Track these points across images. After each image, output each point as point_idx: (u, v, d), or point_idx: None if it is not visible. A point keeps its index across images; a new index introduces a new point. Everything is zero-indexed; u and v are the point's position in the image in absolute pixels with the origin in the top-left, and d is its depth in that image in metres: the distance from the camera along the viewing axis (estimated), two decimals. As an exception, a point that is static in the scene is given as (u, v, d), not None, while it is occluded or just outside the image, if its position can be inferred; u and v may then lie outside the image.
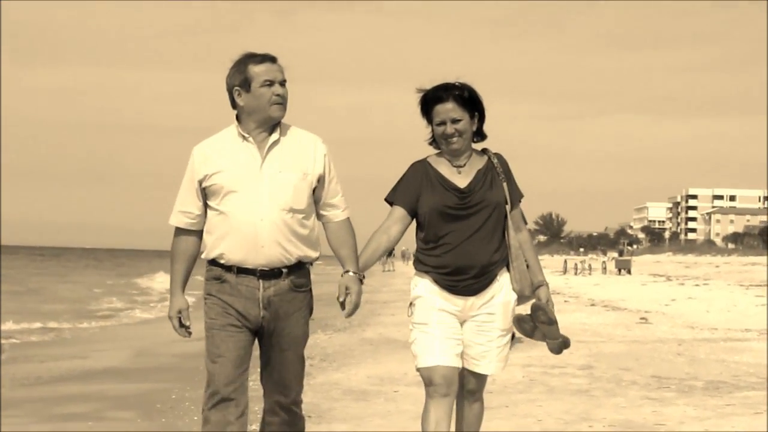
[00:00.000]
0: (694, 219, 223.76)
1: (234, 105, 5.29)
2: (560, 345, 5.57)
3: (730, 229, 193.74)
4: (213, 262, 5.31)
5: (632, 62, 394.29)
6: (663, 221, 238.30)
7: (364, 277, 5.44)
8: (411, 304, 5.55)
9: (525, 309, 5.53)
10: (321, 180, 5.33)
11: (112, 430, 8.92)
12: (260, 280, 5.25)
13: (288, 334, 5.34)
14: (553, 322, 5.51)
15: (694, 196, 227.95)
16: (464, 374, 5.54)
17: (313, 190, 5.32)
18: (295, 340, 5.37)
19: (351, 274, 5.36)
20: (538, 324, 5.52)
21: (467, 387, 5.57)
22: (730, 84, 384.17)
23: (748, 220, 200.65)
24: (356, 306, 5.35)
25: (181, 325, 5.34)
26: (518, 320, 5.53)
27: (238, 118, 5.31)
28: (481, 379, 5.58)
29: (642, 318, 21.45)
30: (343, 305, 5.32)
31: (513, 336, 5.59)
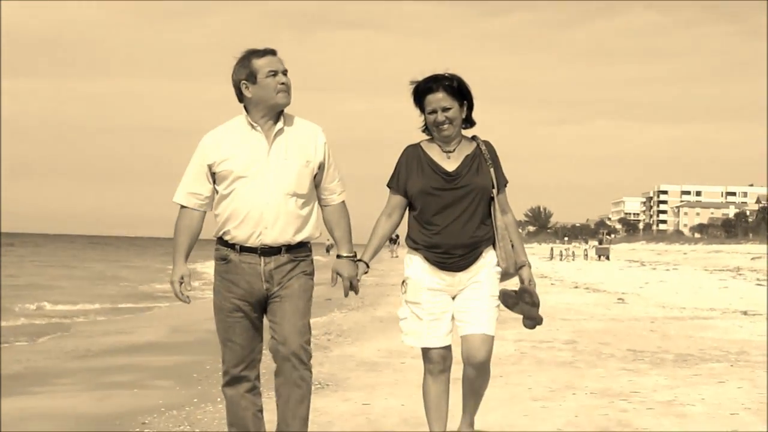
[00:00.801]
0: (664, 212, 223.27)
1: (240, 98, 5.19)
2: (534, 324, 5.49)
3: (697, 221, 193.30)
4: (220, 241, 5.22)
5: (610, 75, 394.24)
6: (638, 214, 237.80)
7: (352, 256, 5.31)
8: (403, 282, 5.45)
9: (510, 286, 5.49)
10: (321, 167, 5.24)
11: (153, 397, 8.91)
12: (261, 257, 5.14)
13: (286, 289, 5.18)
14: (536, 305, 5.43)
15: (665, 192, 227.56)
16: (469, 341, 5.31)
17: (314, 176, 5.23)
18: (293, 292, 5.19)
19: (343, 258, 5.29)
20: (521, 303, 5.43)
21: (474, 359, 5.30)
22: (695, 94, 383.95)
23: (712, 213, 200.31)
24: (349, 287, 5.29)
25: (182, 292, 5.24)
26: (504, 294, 5.43)
27: (246, 109, 5.21)
28: (488, 342, 5.31)
29: (619, 299, 21.46)
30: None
31: None
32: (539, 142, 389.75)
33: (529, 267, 5.49)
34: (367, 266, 5.38)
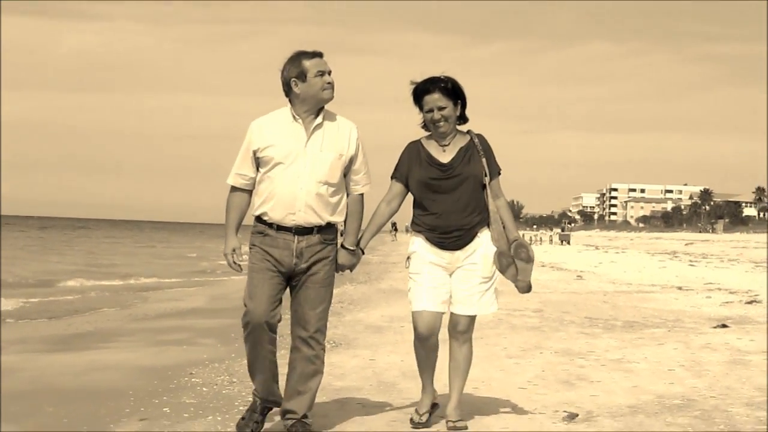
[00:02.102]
0: (615, 205, 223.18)
1: (288, 93, 4.92)
2: (527, 286, 5.17)
3: (641, 213, 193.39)
4: (258, 219, 4.94)
5: (572, 94, 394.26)
6: (593, 207, 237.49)
7: (354, 249, 5.08)
8: (408, 258, 5.19)
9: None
10: (352, 160, 4.98)
11: (199, 353, 8.91)
12: (295, 236, 4.87)
13: (312, 276, 4.94)
14: (531, 260, 5.11)
15: (615, 189, 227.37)
16: (454, 318, 5.18)
17: (345, 168, 4.97)
18: (318, 281, 4.95)
19: (345, 249, 5.06)
20: (517, 260, 5.09)
21: (458, 328, 5.18)
22: (641, 110, 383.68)
23: (653, 207, 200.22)
24: (342, 269, 5.09)
25: (233, 261, 5.00)
26: (499, 254, 5.09)
27: (291, 102, 4.94)
28: (468, 320, 5.17)
29: (578, 276, 21.41)
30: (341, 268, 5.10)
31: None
32: (514, 148, 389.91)
33: (521, 240, 5.21)
34: (362, 252, 5.16)
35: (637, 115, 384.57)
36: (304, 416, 5.02)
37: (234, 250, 5.00)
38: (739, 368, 7.21)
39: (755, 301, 13.54)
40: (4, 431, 5.55)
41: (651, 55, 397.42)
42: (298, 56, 4.89)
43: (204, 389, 6.88)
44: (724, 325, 10.23)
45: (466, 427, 5.14)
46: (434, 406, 5.32)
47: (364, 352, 8.28)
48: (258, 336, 4.90)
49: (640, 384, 6.57)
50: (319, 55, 4.90)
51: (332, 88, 4.90)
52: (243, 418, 5.15)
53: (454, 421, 5.13)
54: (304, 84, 4.85)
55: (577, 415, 5.50)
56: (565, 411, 5.61)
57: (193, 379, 7.33)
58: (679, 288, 16.98)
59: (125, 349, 9.41)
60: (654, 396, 6.11)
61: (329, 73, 4.90)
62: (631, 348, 8.39)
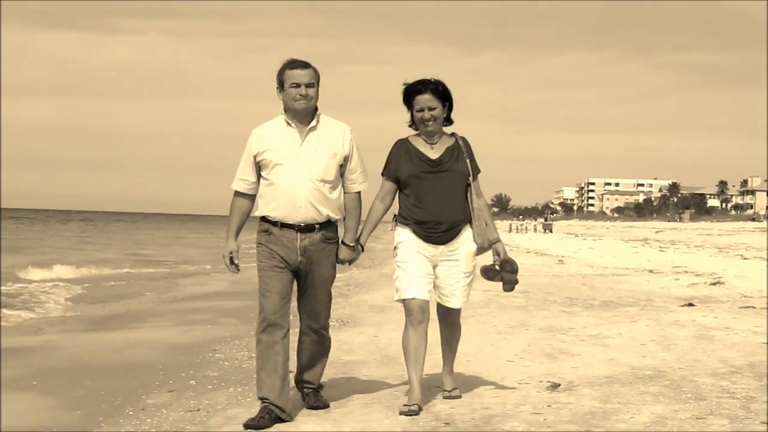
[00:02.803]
0: (592, 198, 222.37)
1: None
2: (513, 286, 4.97)
3: (615, 205, 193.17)
4: (263, 219, 4.71)
5: (554, 98, 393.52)
6: (573, 199, 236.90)
7: (354, 245, 4.86)
8: (395, 247, 4.85)
9: (484, 259, 5.04)
10: (347, 159, 4.73)
11: (221, 331, 8.91)
12: (298, 233, 4.65)
13: (319, 276, 4.76)
14: (515, 271, 4.91)
15: (593, 183, 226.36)
16: (444, 310, 4.97)
17: (341, 167, 4.74)
18: (324, 280, 4.79)
19: (345, 245, 4.85)
20: (503, 273, 4.87)
21: (447, 320, 5.00)
22: (615, 112, 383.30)
23: (627, 199, 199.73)
24: (342, 263, 4.88)
25: (231, 262, 4.76)
26: (485, 270, 4.90)
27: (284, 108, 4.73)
28: (455, 312, 4.99)
29: (559, 260, 21.39)
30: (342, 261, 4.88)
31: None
32: (503, 147, 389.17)
33: (501, 242, 4.96)
34: (362, 248, 4.94)
35: (611, 117, 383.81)
36: (320, 386, 5.06)
37: (232, 253, 4.76)
38: (704, 342, 7.19)
39: (719, 283, 13.51)
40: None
41: (624, 63, 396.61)
42: (284, 66, 4.67)
43: (226, 363, 6.88)
44: (690, 304, 10.20)
45: (460, 396, 5.10)
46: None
47: (369, 329, 8.26)
48: (274, 333, 4.64)
49: (615, 357, 6.55)
50: (302, 65, 4.64)
51: (304, 99, 4.62)
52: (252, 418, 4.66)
53: (449, 390, 5.09)
54: (282, 93, 4.67)
55: (559, 385, 5.49)
56: (548, 381, 5.60)
57: (216, 355, 7.33)
58: (650, 271, 16.96)
59: (156, 329, 9.42)
60: (628, 368, 6.09)
61: (306, 85, 4.61)
62: (607, 325, 8.37)
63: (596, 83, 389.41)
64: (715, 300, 10.91)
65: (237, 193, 4.82)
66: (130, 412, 5.39)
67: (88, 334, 9.07)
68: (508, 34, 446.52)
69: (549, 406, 4.89)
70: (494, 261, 4.97)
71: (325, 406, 4.96)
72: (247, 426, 4.56)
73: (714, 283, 13.45)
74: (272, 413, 4.59)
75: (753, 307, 9.88)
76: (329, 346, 5.06)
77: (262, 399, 4.66)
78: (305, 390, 5.02)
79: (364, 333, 8.01)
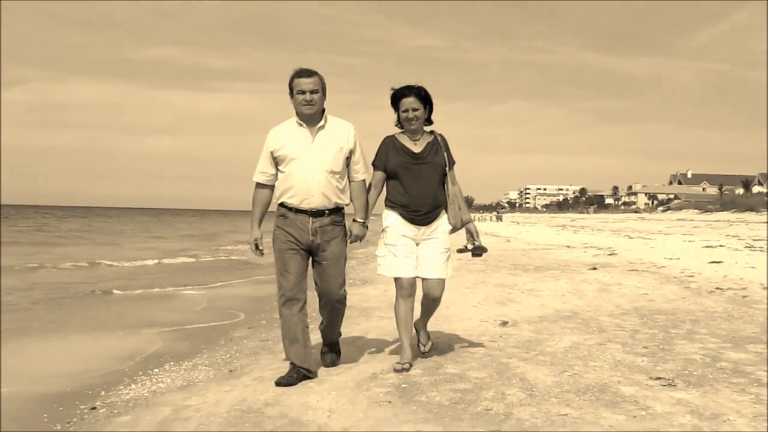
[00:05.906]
0: (528, 198, 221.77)
1: None
2: (481, 253, 4.24)
3: (544, 202, 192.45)
4: (281, 205, 3.83)
5: (502, 132, 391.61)
6: (516, 199, 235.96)
7: (364, 221, 3.96)
8: (383, 230, 4.02)
9: (458, 237, 4.41)
10: (351, 153, 3.87)
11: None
12: (310, 217, 3.79)
13: (330, 254, 3.85)
14: (485, 251, 4.26)
15: (529, 188, 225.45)
16: (427, 283, 4.05)
17: (347, 159, 3.86)
18: (335, 258, 3.85)
19: (356, 222, 4.03)
20: (475, 254, 4.23)
21: (432, 295, 4.08)
22: (543, 140, 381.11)
23: (552, 198, 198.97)
24: (356, 239, 3.99)
25: (257, 248, 3.88)
26: (460, 252, 4.24)
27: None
28: (438, 283, 4.06)
29: (507, 240, 21.25)
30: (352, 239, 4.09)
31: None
32: (470, 164, 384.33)
33: (473, 222, 4.33)
34: (364, 225, 4.10)
35: (541, 144, 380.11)
36: (336, 343, 4.20)
37: (256, 240, 3.88)
38: (604, 294, 7.13)
39: (613, 254, 13.41)
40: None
41: (548, 108, 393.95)
42: (293, 75, 3.80)
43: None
44: (594, 268, 10.12)
45: (434, 348, 4.38)
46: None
47: (381, 286, 8.20)
48: (292, 306, 3.78)
49: (545, 303, 6.50)
50: (307, 74, 3.77)
51: (310, 104, 3.75)
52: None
53: (424, 345, 4.36)
54: (292, 99, 3.79)
55: (507, 322, 5.45)
56: (500, 320, 5.56)
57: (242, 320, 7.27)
58: (567, 246, 16.83)
59: (237, 287, 9.40)
60: (553, 310, 6.04)
61: (311, 92, 3.74)
62: (539, 282, 8.31)
63: (531, 122, 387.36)
64: (611, 265, 10.83)
65: (258, 185, 3.90)
66: (222, 342, 5.36)
67: (193, 288, 9.03)
68: (470, 90, 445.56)
69: (501, 336, 4.85)
70: (467, 241, 4.31)
71: (333, 363, 4.13)
72: (278, 383, 3.72)
73: (611, 254, 13.36)
74: (300, 372, 3.86)
75: (637, 270, 9.81)
76: (344, 311, 4.08)
77: (290, 361, 3.85)
78: (322, 349, 4.18)
79: (378, 288, 7.97)
